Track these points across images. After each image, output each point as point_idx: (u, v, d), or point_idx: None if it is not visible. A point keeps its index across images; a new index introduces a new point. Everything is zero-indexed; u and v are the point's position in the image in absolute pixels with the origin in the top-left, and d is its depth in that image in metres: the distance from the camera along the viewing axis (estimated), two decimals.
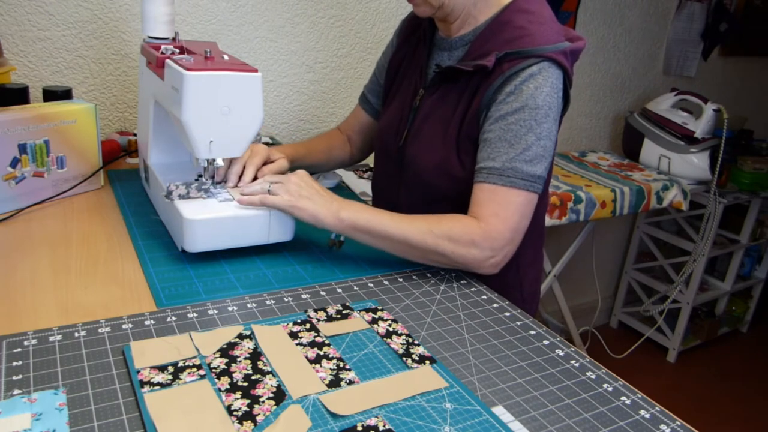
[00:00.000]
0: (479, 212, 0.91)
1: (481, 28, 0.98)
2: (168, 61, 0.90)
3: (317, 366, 0.69)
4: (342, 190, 1.36)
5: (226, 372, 0.66)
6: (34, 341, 0.68)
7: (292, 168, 1.16)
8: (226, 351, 0.69)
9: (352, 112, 1.28)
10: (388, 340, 0.75)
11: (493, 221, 0.90)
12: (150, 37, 1.03)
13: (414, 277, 0.93)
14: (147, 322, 0.74)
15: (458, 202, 0.96)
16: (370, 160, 1.32)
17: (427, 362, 0.71)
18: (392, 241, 0.89)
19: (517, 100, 0.91)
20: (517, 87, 0.91)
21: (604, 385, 0.71)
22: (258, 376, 0.66)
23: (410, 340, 0.76)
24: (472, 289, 0.91)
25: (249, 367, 0.67)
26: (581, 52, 0.97)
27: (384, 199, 1.14)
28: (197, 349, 0.69)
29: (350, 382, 0.66)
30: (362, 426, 0.60)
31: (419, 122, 1.03)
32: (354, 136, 1.27)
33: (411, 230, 0.88)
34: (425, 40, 1.06)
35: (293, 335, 0.74)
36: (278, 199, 0.90)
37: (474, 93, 0.95)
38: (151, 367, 0.65)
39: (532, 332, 0.81)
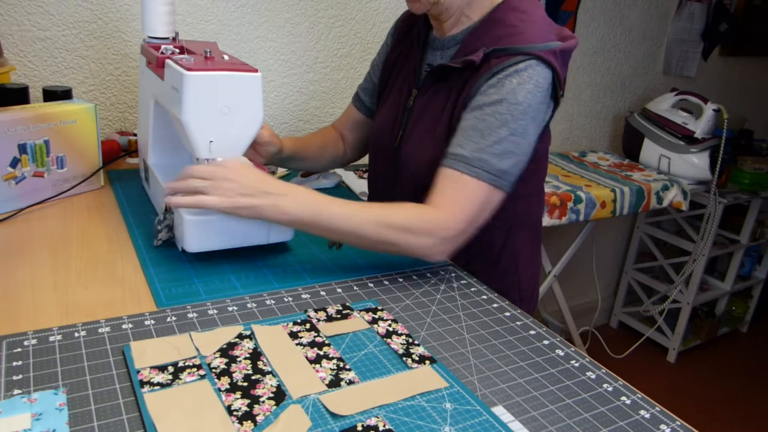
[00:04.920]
0: (439, 200, 0.89)
1: (474, 26, 0.98)
2: (168, 61, 0.90)
3: (317, 366, 0.69)
4: (342, 190, 1.36)
5: (226, 372, 0.66)
6: (34, 341, 0.68)
7: (286, 159, 1.16)
8: (226, 351, 0.69)
9: (345, 110, 1.28)
10: (388, 340, 0.75)
11: (451, 210, 0.88)
12: (150, 37, 1.03)
13: (414, 277, 0.93)
14: (147, 322, 0.74)
15: None
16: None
17: (427, 362, 0.71)
18: (341, 234, 0.87)
19: (497, 93, 0.90)
20: (500, 81, 0.90)
21: (604, 385, 0.71)
22: (258, 376, 0.66)
23: (410, 340, 0.76)
24: (472, 289, 0.91)
25: (249, 367, 0.67)
26: (573, 51, 0.96)
27: (380, 198, 1.14)
28: (197, 349, 0.69)
29: (350, 382, 0.66)
30: (362, 426, 0.60)
31: (413, 123, 1.03)
32: (347, 134, 1.26)
33: (361, 222, 0.86)
34: (419, 41, 1.07)
35: (293, 335, 0.74)
36: (215, 200, 0.83)
37: (462, 89, 0.95)
38: (151, 367, 0.65)
39: (532, 332, 0.81)
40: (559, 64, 0.93)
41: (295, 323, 0.77)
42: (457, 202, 0.88)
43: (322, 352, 0.71)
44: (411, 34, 1.11)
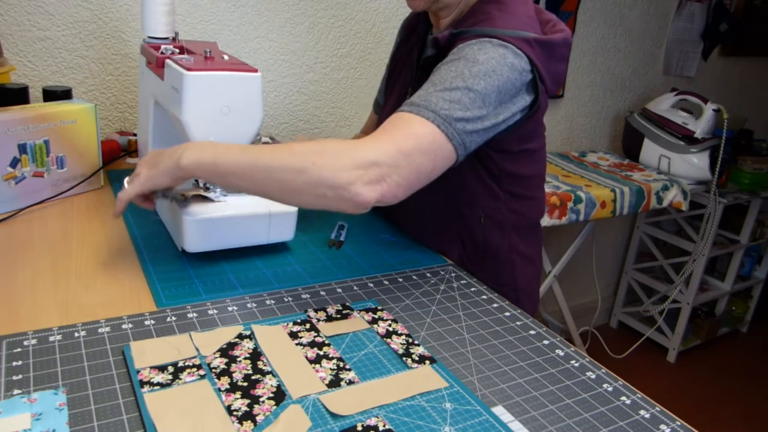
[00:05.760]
0: (374, 133, 0.79)
1: (460, 19, 0.98)
2: (168, 61, 0.90)
3: (317, 366, 0.69)
4: None
5: (226, 372, 0.66)
6: (34, 341, 0.68)
7: None
8: (226, 351, 0.69)
9: (366, 121, 1.31)
10: (388, 340, 0.75)
11: (379, 137, 0.77)
12: (150, 37, 1.03)
13: (414, 277, 0.93)
14: (147, 322, 0.74)
15: (445, 184, 0.91)
16: None
17: (427, 362, 0.71)
18: (243, 170, 0.75)
19: (455, 55, 0.86)
20: (460, 48, 0.86)
21: (604, 385, 0.71)
22: (258, 376, 0.66)
23: (410, 340, 0.76)
24: (472, 289, 0.91)
25: (249, 367, 0.67)
26: (563, 45, 0.91)
27: None
28: (197, 349, 0.69)
29: (350, 382, 0.66)
30: (362, 426, 0.60)
31: None
32: None
33: (262, 155, 0.75)
34: (419, 39, 1.07)
35: (293, 335, 0.74)
36: (129, 186, 0.82)
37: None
38: (151, 367, 0.65)
39: (532, 332, 0.81)
40: (537, 55, 0.87)
41: (295, 323, 0.77)
42: (388, 133, 0.78)
43: (322, 352, 0.71)
44: (416, 33, 1.11)
